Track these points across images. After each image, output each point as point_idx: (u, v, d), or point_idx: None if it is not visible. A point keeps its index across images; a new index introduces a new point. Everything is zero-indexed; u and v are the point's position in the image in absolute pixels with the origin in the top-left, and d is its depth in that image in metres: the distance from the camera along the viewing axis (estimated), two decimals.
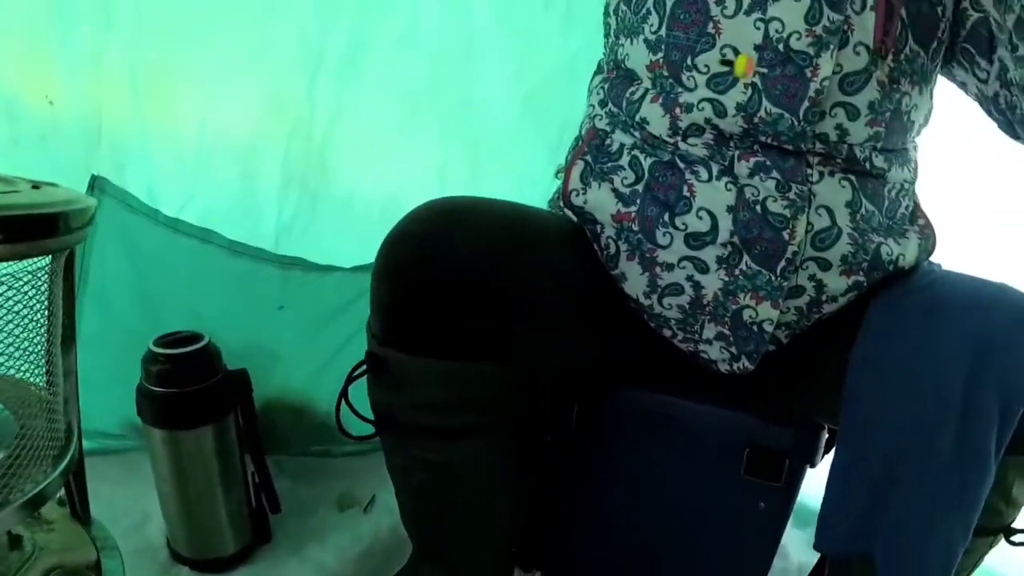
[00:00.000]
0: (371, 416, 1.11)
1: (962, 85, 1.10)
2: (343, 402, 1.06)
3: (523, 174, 1.51)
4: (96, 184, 1.43)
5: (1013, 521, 0.97)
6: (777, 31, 0.86)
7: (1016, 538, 1.07)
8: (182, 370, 1.37)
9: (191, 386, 1.37)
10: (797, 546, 1.58)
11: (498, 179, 1.50)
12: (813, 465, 1.24)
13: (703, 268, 0.95)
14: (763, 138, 0.93)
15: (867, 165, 0.93)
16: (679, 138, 0.94)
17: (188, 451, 1.42)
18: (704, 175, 0.93)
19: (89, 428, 1.36)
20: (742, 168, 0.91)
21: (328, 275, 1.44)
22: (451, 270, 0.89)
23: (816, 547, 1.08)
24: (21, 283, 0.86)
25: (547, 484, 1.43)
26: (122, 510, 1.32)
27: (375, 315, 0.93)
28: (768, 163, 0.92)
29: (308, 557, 1.32)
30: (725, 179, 0.92)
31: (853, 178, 0.95)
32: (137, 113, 1.45)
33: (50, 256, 0.89)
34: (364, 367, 0.97)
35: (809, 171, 0.93)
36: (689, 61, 0.92)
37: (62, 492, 1.15)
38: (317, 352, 1.40)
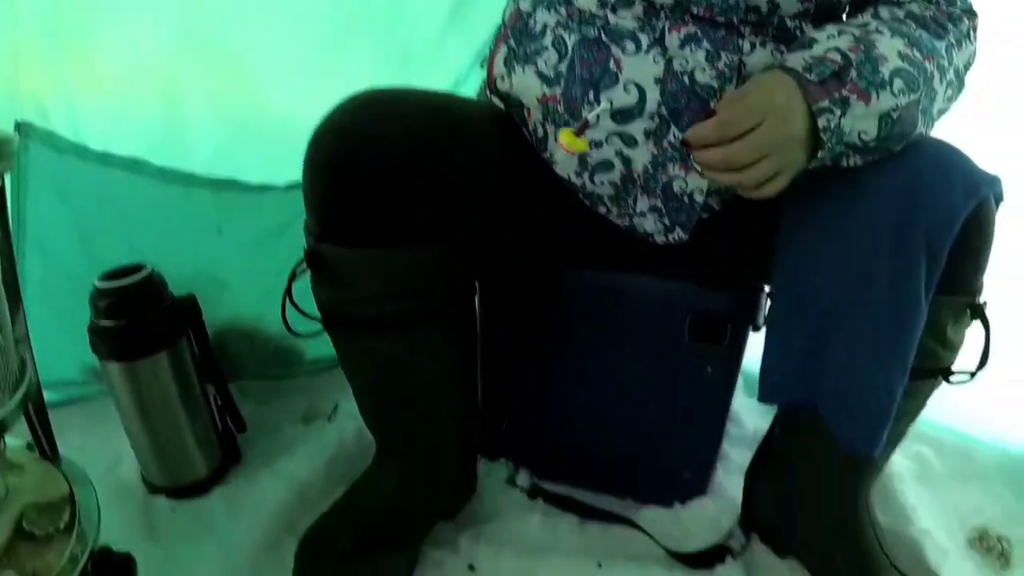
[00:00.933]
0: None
1: None
2: (287, 302, 1.09)
3: (457, 84, 1.53)
4: (21, 130, 1.43)
5: (951, 363, 1.03)
6: None
7: (954, 378, 1.15)
8: (129, 300, 1.40)
9: (140, 315, 1.41)
10: (750, 413, 1.67)
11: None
12: (756, 327, 1.31)
13: (631, 142, 0.98)
14: (695, 9, 0.94)
15: (798, 35, 0.96)
16: (608, 10, 0.96)
17: (146, 381, 1.46)
18: (631, 48, 0.95)
19: (50, 379, 1.49)
20: (672, 40, 0.94)
21: (264, 195, 1.47)
22: (379, 159, 0.91)
23: (760, 398, 1.15)
24: None
25: (499, 369, 1.48)
26: (93, 455, 1.37)
27: (309, 212, 0.97)
28: (699, 34, 0.94)
29: (279, 471, 1.37)
30: (654, 51, 0.94)
31: (784, 48, 0.96)
32: (55, 55, 1.44)
33: None
34: (304, 265, 0.98)
35: (741, 41, 0.95)
36: None
37: (29, 438, 1.19)
38: (262, 274, 1.40)
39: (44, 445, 1.18)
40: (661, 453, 1.35)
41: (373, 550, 1.24)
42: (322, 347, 1.48)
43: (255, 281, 1.62)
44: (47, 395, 1.18)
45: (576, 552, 1.27)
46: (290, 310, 1.13)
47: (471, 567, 1.23)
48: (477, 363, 1.38)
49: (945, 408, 1.44)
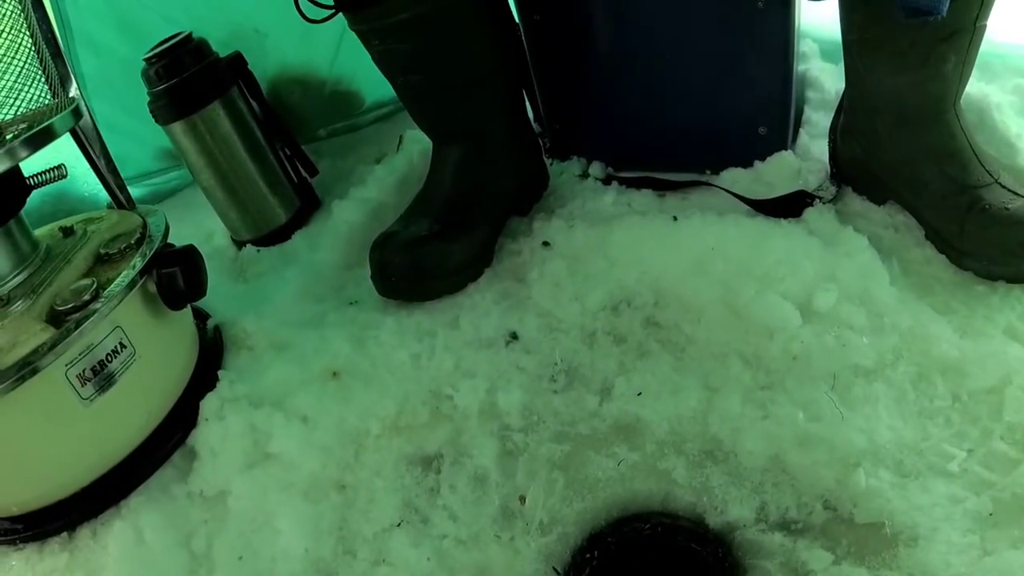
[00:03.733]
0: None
1: None
2: None
3: None
4: None
5: None
6: None
7: None
8: (175, 60, 1.56)
9: (188, 71, 1.57)
10: (830, 77, 1.65)
11: None
12: None
13: None
14: None
15: None
16: None
17: (208, 132, 1.62)
18: None
19: (135, 173, 1.85)
20: None
21: None
22: None
23: None
24: None
25: (551, 61, 1.55)
26: (186, 238, 1.51)
27: None
28: None
29: (352, 197, 1.51)
30: None
31: None
32: None
33: None
34: None
35: None
36: None
37: (109, 201, 1.41)
38: (297, 16, 1.49)
39: (118, 195, 1.39)
40: (732, 111, 1.36)
41: (443, 235, 1.31)
42: (380, 88, 1.69)
43: (292, 24, 1.68)
44: (134, 191, 1.39)
45: (652, 211, 1.29)
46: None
47: (545, 243, 1.28)
48: (512, 33, 1.41)
49: None
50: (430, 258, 1.24)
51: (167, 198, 1.87)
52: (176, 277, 1.20)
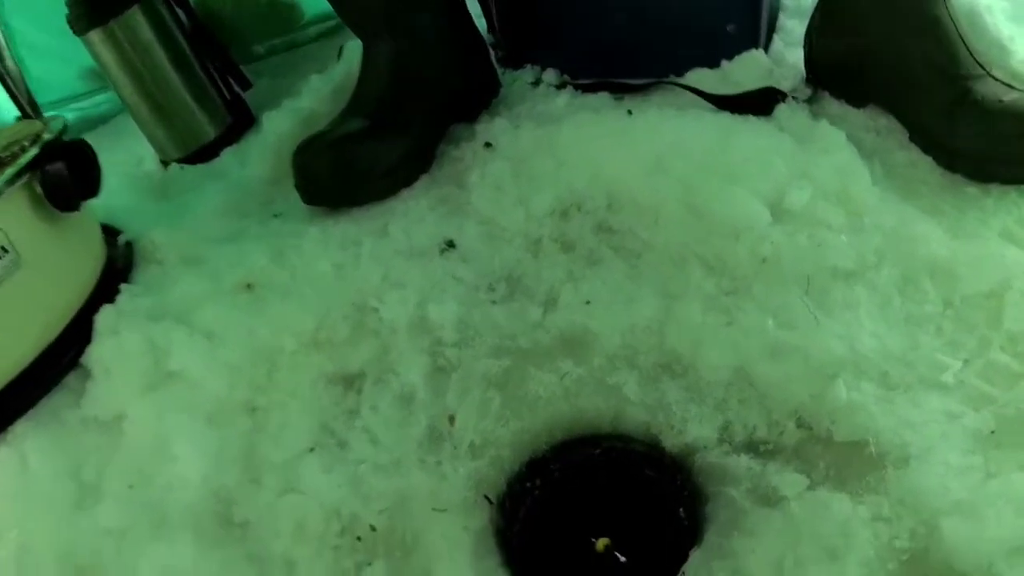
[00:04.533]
0: None
1: None
2: None
3: None
4: None
5: None
6: None
7: None
8: None
9: None
10: None
11: None
12: None
13: None
14: None
15: None
16: None
17: (128, 41, 1.41)
18: None
19: (58, 97, 1.66)
20: None
21: None
22: None
23: None
24: None
25: None
26: (116, 167, 1.35)
27: None
28: None
29: (284, 108, 1.34)
30: None
31: None
32: None
33: None
34: None
35: None
36: None
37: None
38: None
39: (24, 105, 1.34)
40: (697, 6, 1.15)
41: (373, 134, 1.09)
42: (321, 2, 1.50)
43: None
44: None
45: (605, 108, 1.07)
46: None
47: (487, 144, 1.06)
48: None
49: None
50: (358, 159, 1.04)
51: (100, 125, 1.67)
52: (62, 173, 1.02)
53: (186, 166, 1.46)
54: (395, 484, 0.90)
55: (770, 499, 0.83)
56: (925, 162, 1.10)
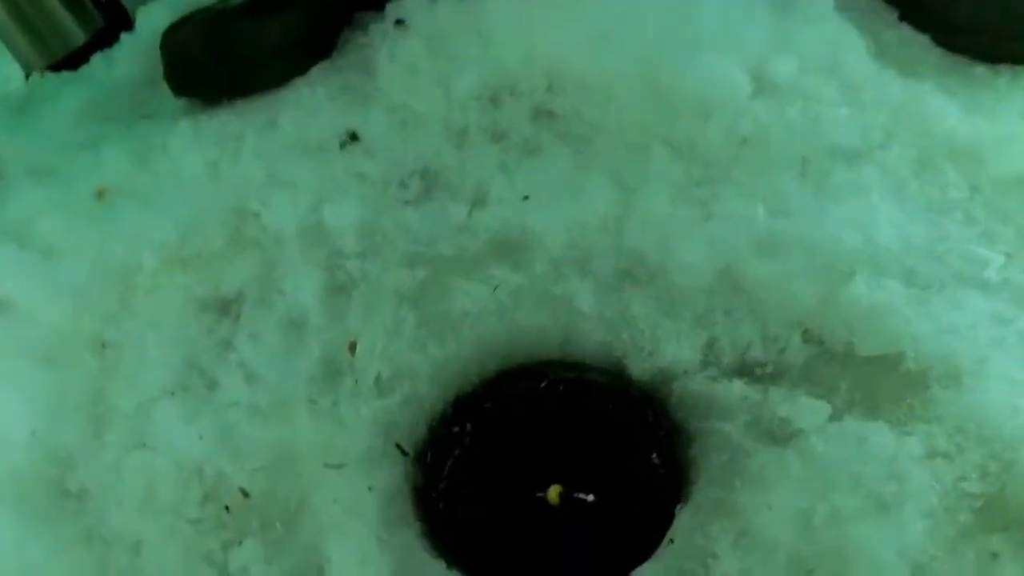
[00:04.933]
0: None
1: None
2: None
3: None
4: None
5: None
6: None
7: None
8: None
9: None
10: None
11: None
12: None
13: None
14: None
15: None
16: None
17: None
18: None
19: None
20: None
21: None
22: None
23: None
24: None
25: None
26: None
27: None
28: None
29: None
30: None
31: None
32: None
33: None
34: None
35: None
36: None
37: None
38: None
39: None
40: None
41: (256, 8, 0.76)
42: None
43: None
44: None
45: None
46: None
47: (399, 22, 0.76)
48: None
49: None
50: (237, 38, 0.80)
51: None
52: None
53: (46, 74, 1.09)
54: (276, 433, 0.61)
55: (779, 435, 0.55)
56: (920, 41, 0.85)
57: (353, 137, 0.82)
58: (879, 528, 0.49)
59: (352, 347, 0.66)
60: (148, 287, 0.74)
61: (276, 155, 0.81)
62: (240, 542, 0.58)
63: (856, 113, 0.75)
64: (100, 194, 0.81)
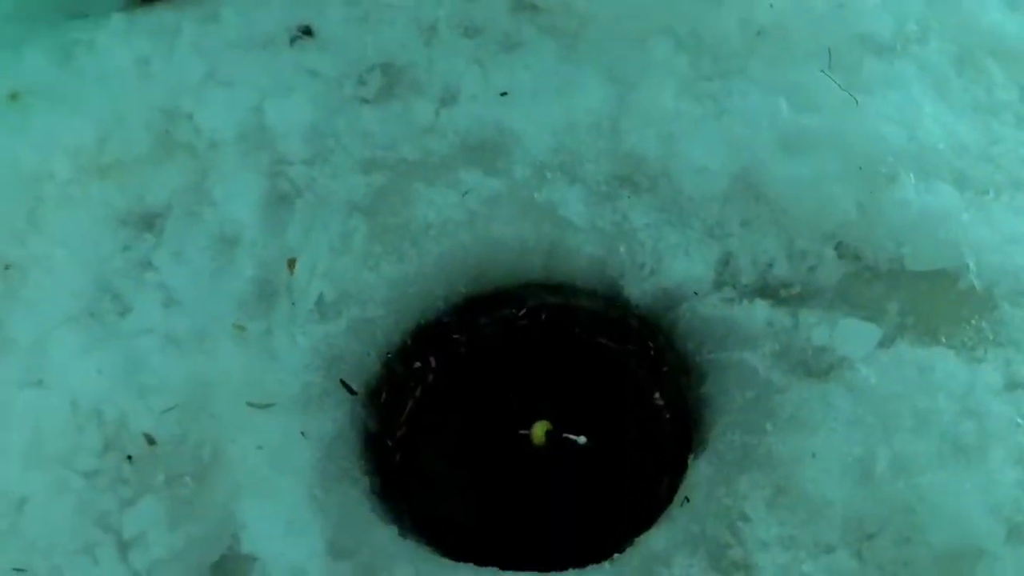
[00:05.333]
0: None
1: None
2: None
3: None
4: None
5: None
6: None
7: None
8: None
9: None
10: None
11: None
12: None
13: None
14: None
15: None
16: None
17: None
18: None
19: None
20: None
21: None
22: None
23: None
24: None
25: None
26: None
27: None
28: None
29: None
30: None
31: None
32: None
33: None
34: None
35: None
36: None
37: None
38: None
39: None
40: None
41: None
42: None
43: None
44: None
45: None
46: None
47: None
48: None
49: None
50: None
51: None
52: None
53: None
54: (192, 367, 0.45)
55: (816, 367, 0.37)
56: None
57: (306, 32, 0.65)
58: (959, 478, 0.33)
59: (291, 265, 0.48)
60: (59, 198, 0.58)
61: (216, 51, 0.64)
62: (135, 501, 0.41)
63: (888, 3, 0.57)
64: (13, 97, 0.63)
